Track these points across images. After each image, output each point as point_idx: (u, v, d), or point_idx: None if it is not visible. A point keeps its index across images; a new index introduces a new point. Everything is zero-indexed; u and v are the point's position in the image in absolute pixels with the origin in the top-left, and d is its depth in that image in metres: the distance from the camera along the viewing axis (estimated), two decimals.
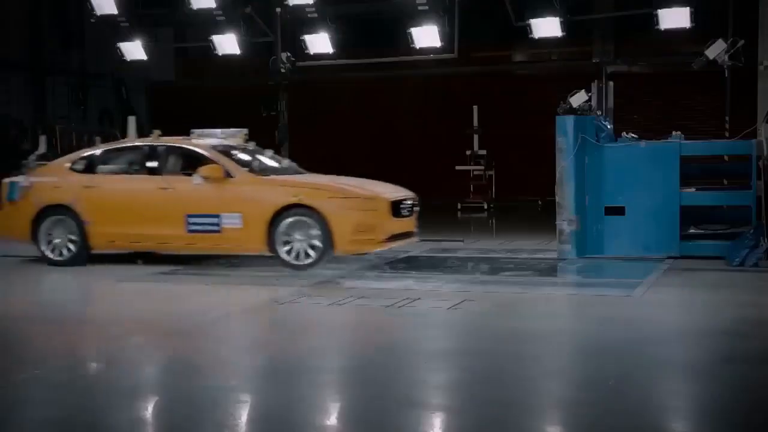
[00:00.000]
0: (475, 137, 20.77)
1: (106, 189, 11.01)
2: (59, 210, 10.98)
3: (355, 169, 22.32)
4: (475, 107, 20.63)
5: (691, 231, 11.39)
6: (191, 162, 11.04)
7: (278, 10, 18.98)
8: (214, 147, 11.19)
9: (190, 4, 18.18)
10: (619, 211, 11.19)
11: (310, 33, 18.64)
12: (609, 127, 11.84)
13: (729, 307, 7.89)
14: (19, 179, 11.38)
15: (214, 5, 18.42)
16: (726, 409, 4.85)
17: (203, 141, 11.64)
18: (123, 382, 5.60)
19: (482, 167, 20.72)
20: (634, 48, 20.35)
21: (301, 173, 11.63)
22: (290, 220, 10.16)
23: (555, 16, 16.84)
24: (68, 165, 11.39)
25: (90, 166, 11.29)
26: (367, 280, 9.66)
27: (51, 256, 11.02)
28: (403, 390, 5.31)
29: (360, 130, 22.85)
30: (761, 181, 10.73)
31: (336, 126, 23.11)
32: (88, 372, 5.94)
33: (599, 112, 12.17)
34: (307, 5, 18.23)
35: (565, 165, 11.21)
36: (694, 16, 15.71)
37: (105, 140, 22.00)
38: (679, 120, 18.88)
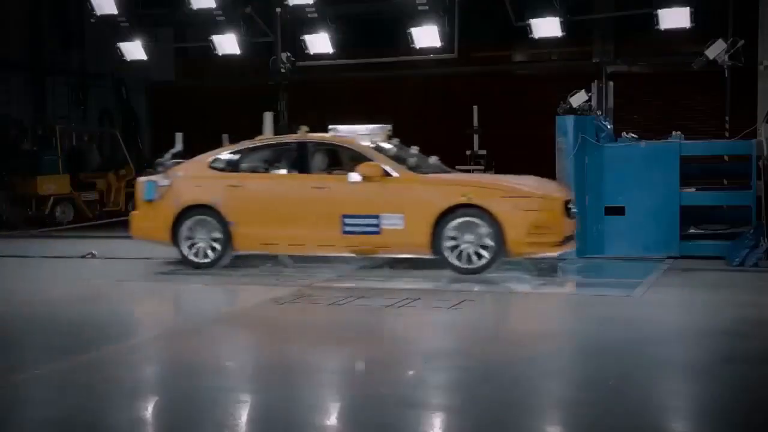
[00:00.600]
0: (475, 137, 20.76)
1: (253, 188, 10.49)
2: (201, 210, 10.48)
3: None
4: (475, 107, 20.61)
5: (691, 231, 11.40)
6: (339, 160, 10.71)
7: (278, 10, 18.96)
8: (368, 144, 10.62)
9: (190, 4, 18.16)
10: (619, 211, 11.20)
11: (310, 33, 18.63)
12: (609, 127, 11.85)
13: (729, 307, 7.90)
14: (156, 179, 10.84)
15: (214, 5, 18.41)
16: (726, 409, 4.85)
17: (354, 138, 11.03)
18: (123, 382, 5.60)
19: (482, 167, 20.71)
20: (634, 48, 20.33)
21: (447, 171, 11.17)
22: (459, 221, 9.59)
23: (555, 16, 16.83)
24: (208, 163, 10.79)
25: (232, 164, 10.74)
26: (367, 280, 9.66)
27: (194, 258, 10.51)
28: (403, 390, 5.32)
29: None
30: (761, 181, 10.73)
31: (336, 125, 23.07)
32: (88, 371, 5.93)
33: (599, 112, 12.18)
34: (307, 5, 18.21)
35: (565, 165, 11.21)
36: (694, 16, 15.69)
37: (102, 140, 22.17)
38: (679, 120, 18.84)
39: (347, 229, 9.95)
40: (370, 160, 10.12)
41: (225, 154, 10.87)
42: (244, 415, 4.92)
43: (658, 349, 6.25)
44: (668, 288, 8.92)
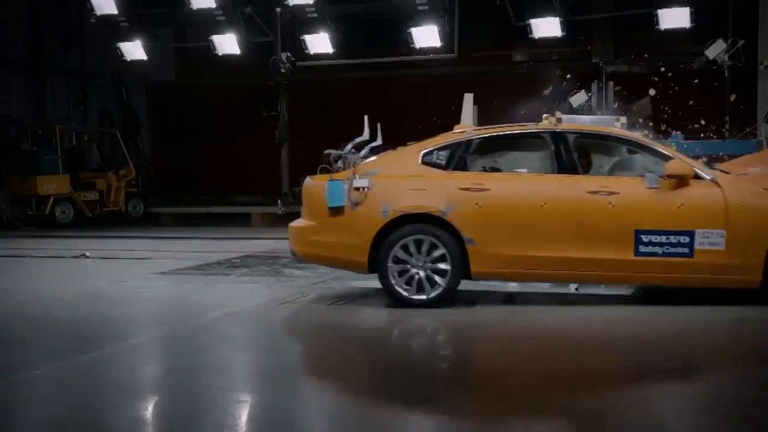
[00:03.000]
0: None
1: (502, 192, 7.80)
2: (419, 222, 7.74)
3: None
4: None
5: None
6: (589, 157, 8.27)
7: (278, 10, 18.98)
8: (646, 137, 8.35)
9: (190, 4, 18.18)
10: None
11: (310, 33, 18.65)
12: None
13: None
14: (346, 178, 7.98)
15: (214, 5, 18.42)
16: None
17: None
18: (123, 382, 5.60)
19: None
20: (634, 48, 20.33)
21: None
22: None
23: (555, 16, 16.85)
24: (419, 157, 8.09)
25: (456, 159, 8.04)
26: (367, 280, 9.65)
27: (404, 292, 7.70)
28: (403, 390, 5.31)
29: (360, 130, 22.84)
30: None
31: (336, 126, 23.08)
32: (88, 371, 5.93)
33: (599, 112, 12.19)
34: (307, 5, 18.23)
35: None
36: (694, 16, 15.72)
37: (102, 140, 22.16)
38: (679, 120, 18.86)
39: (643, 250, 7.57)
40: (662, 158, 7.78)
41: (443, 147, 8.17)
42: (244, 415, 4.91)
43: (656, 348, 6.24)
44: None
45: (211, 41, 19.04)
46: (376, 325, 7.46)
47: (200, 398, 5.16)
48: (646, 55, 18.73)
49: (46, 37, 23.10)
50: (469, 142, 8.15)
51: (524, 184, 7.92)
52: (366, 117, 8.89)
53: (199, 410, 4.93)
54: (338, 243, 7.93)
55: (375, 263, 7.75)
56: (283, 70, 19.57)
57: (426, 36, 17.70)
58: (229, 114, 23.35)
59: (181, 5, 18.34)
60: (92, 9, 18.96)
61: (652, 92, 11.47)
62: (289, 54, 19.58)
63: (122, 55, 19.79)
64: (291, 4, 18.27)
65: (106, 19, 19.26)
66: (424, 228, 7.71)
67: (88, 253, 12.20)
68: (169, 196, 21.75)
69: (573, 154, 7.86)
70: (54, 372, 5.80)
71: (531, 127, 8.24)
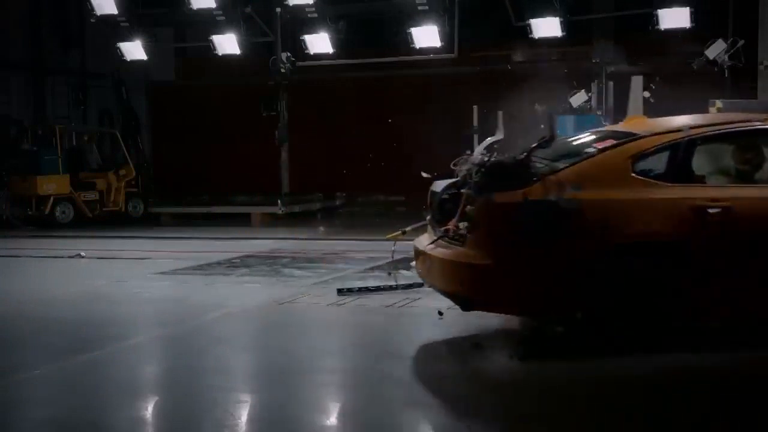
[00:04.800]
0: (475, 137, 20.76)
1: (753, 212, 5.99)
2: (643, 255, 5.89)
3: (354, 168, 22.42)
4: (475, 107, 20.62)
5: None
6: None
7: (278, 10, 18.98)
8: None
9: (190, 4, 18.17)
10: None
11: (310, 33, 18.65)
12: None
13: None
14: (542, 196, 5.94)
15: (214, 5, 18.42)
16: None
17: None
18: (123, 382, 5.60)
19: None
20: (634, 48, 20.33)
21: None
22: None
23: (555, 15, 16.85)
24: (630, 166, 6.07)
25: (677, 165, 6.11)
26: (366, 281, 9.65)
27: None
28: (403, 390, 5.31)
29: (360, 130, 22.84)
30: None
31: (336, 126, 23.09)
32: (88, 371, 5.93)
33: (599, 112, 12.20)
34: (307, 5, 18.23)
35: None
36: (694, 16, 15.71)
37: (102, 140, 22.16)
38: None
39: None
40: None
41: (657, 149, 6.18)
42: (244, 415, 4.92)
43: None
44: None
45: (211, 41, 19.04)
46: (376, 325, 7.46)
47: (200, 398, 5.16)
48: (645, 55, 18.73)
49: (46, 37, 23.09)
50: (690, 142, 6.17)
51: None
52: (500, 113, 7.49)
53: (199, 410, 4.93)
54: (537, 284, 5.92)
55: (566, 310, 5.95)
56: (283, 70, 19.57)
57: (426, 36, 17.70)
58: (229, 114, 23.33)
59: (181, 5, 18.34)
60: (92, 9, 18.94)
61: (646, 94, 11.42)
62: (289, 54, 19.58)
63: (122, 55, 19.78)
64: (291, 4, 18.26)
65: (106, 19, 19.25)
66: (651, 262, 5.85)
67: (83, 253, 12.19)
68: (169, 196, 21.73)
69: None
70: (54, 372, 5.81)
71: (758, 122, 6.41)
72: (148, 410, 5.10)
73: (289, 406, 4.96)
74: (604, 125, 11.80)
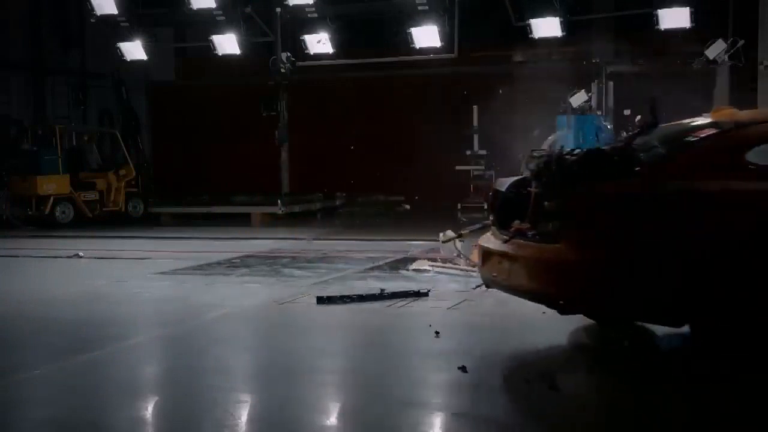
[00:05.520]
0: (475, 137, 20.76)
1: None
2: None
3: (355, 169, 22.42)
4: (475, 107, 20.61)
5: None
6: None
7: (278, 10, 18.99)
8: None
9: (190, 4, 18.18)
10: None
11: (310, 33, 18.65)
12: (609, 126, 11.88)
13: None
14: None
15: (214, 5, 18.43)
16: None
17: None
18: (123, 382, 5.60)
19: (482, 167, 20.71)
20: (634, 48, 20.33)
21: None
22: None
23: (555, 15, 16.85)
24: (743, 153, 5.54)
25: None
26: (367, 280, 9.66)
27: None
28: (403, 390, 5.31)
29: (360, 130, 22.85)
30: None
31: (336, 126, 23.11)
32: (88, 371, 5.93)
33: (599, 112, 12.20)
34: (307, 5, 18.24)
35: None
36: (694, 16, 15.71)
37: (102, 140, 22.14)
38: (679, 120, 18.88)
39: None
40: None
41: None
42: (244, 415, 4.91)
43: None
44: None
45: (211, 41, 19.05)
46: (376, 325, 7.46)
47: (200, 398, 5.16)
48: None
49: (46, 37, 23.11)
50: None
51: None
52: (653, 98, 6.59)
53: (199, 410, 4.93)
54: (658, 284, 5.33)
55: None
56: (283, 70, 19.58)
57: (426, 36, 17.71)
58: (229, 114, 23.35)
59: (181, 5, 18.34)
60: (92, 9, 18.95)
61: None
62: (289, 54, 19.58)
63: (122, 55, 19.79)
64: (291, 4, 18.28)
65: (106, 19, 19.26)
66: None
67: (81, 253, 12.20)
68: (169, 196, 21.74)
69: None
70: (54, 372, 5.80)
71: None
72: (148, 410, 5.10)
73: (289, 406, 4.96)
74: (605, 125, 11.80)
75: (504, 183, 6.56)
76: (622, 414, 4.78)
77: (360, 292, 8.49)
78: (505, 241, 6.07)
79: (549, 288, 5.69)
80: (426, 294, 8.29)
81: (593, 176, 5.56)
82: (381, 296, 8.25)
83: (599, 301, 5.55)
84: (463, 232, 7.69)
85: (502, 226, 6.27)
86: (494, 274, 6.29)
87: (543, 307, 6.33)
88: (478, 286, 7.69)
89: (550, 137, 6.61)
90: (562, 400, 4.99)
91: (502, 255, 6.10)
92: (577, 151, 6.11)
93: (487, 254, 6.40)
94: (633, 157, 5.67)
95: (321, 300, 8.08)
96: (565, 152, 6.15)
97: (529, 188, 6.07)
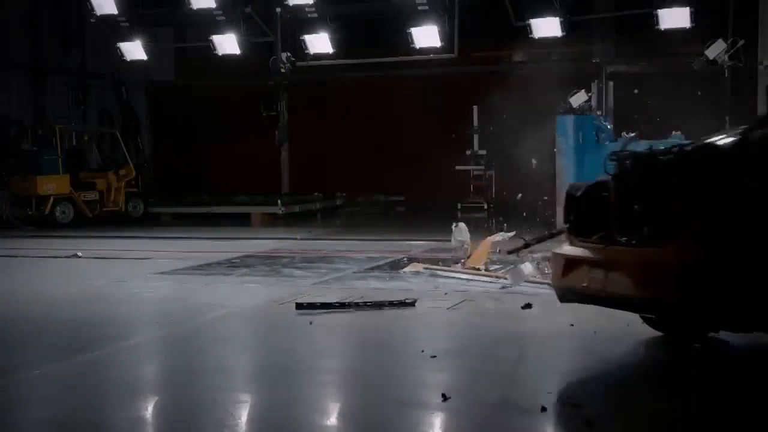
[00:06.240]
0: (475, 137, 20.77)
1: None
2: None
3: (355, 169, 22.43)
4: (475, 107, 20.62)
5: None
6: None
7: (278, 10, 18.99)
8: None
9: (190, 4, 18.18)
10: None
11: (310, 33, 18.66)
12: (609, 127, 11.88)
13: None
14: None
15: (214, 5, 18.43)
16: None
17: None
18: (123, 382, 5.60)
19: (482, 167, 20.72)
20: (634, 48, 20.33)
21: None
22: None
23: (555, 15, 16.85)
24: None
25: None
26: (366, 280, 9.66)
27: None
28: (403, 390, 5.31)
29: (360, 130, 22.87)
30: None
31: (336, 126, 23.12)
32: (88, 371, 5.93)
33: (599, 112, 12.20)
34: (307, 5, 18.24)
35: (564, 164, 11.22)
36: (694, 16, 15.72)
37: (102, 140, 22.15)
38: (679, 120, 18.88)
39: None
40: None
41: None
42: (244, 415, 4.91)
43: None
44: None
45: (211, 41, 19.05)
46: (376, 325, 7.45)
47: (200, 398, 5.16)
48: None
49: (46, 37, 23.11)
50: None
51: None
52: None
53: (199, 410, 4.93)
54: None
55: None
56: (283, 70, 19.58)
57: (426, 36, 17.71)
58: (229, 114, 23.35)
59: (181, 5, 18.35)
60: (92, 9, 18.96)
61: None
62: (289, 54, 19.59)
63: (122, 55, 19.80)
64: (291, 4, 18.28)
65: (106, 19, 19.27)
66: None
67: (80, 253, 12.19)
68: (169, 196, 21.75)
69: None
70: (54, 372, 5.80)
71: None
72: (148, 410, 5.10)
73: (289, 406, 4.96)
74: (605, 125, 11.81)
75: (578, 188, 6.12)
76: None
77: (359, 293, 8.50)
78: (601, 247, 5.53)
79: (658, 293, 5.10)
80: (412, 304, 7.81)
81: (703, 174, 5.03)
82: (363, 305, 7.85)
83: (727, 305, 4.85)
84: (530, 241, 7.31)
85: (581, 233, 5.82)
86: (584, 284, 5.67)
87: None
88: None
89: (626, 137, 6.17)
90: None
91: (594, 263, 5.58)
92: (674, 149, 5.45)
93: (572, 263, 5.80)
94: (749, 151, 5.10)
95: (300, 306, 7.69)
96: (656, 151, 5.72)
97: (607, 192, 5.66)
